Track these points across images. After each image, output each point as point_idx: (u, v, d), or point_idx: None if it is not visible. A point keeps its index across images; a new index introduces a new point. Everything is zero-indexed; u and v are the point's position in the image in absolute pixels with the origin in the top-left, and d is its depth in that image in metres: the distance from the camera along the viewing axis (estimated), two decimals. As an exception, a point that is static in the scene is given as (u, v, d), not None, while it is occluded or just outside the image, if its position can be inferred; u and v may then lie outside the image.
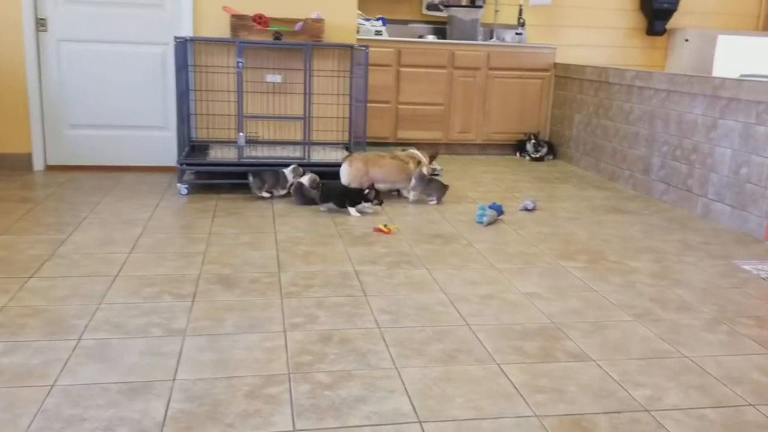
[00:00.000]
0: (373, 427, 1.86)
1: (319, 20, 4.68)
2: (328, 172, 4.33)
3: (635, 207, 4.52)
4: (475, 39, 6.29)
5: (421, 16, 6.57)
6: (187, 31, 4.77)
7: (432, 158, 4.81)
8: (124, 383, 2.04)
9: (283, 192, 4.31)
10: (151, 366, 2.15)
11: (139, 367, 2.14)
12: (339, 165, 4.30)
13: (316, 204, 4.14)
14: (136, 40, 4.86)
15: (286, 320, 2.52)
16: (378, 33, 5.98)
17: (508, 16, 6.70)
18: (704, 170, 4.32)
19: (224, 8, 4.65)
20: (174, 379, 2.07)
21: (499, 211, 4.02)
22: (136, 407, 1.91)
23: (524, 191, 4.85)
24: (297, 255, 3.27)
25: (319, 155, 4.63)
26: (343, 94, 4.94)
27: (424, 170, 4.38)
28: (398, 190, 4.46)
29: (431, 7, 6.49)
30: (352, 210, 4.03)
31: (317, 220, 3.90)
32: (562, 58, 6.60)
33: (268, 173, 4.25)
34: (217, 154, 4.55)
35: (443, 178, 4.72)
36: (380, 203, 4.08)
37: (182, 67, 4.52)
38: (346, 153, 4.52)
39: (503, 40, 6.63)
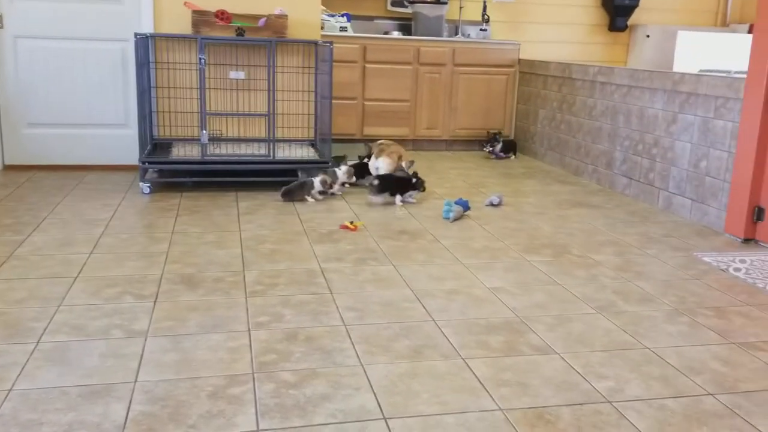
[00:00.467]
0: (338, 425, 1.86)
1: (283, 16, 4.65)
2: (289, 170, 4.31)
3: (599, 201, 4.57)
4: (440, 35, 6.30)
5: (386, 12, 6.56)
6: (147, 28, 4.69)
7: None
8: (84, 386, 2.00)
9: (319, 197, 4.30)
10: (112, 368, 2.11)
11: (100, 369, 2.10)
12: (305, 162, 4.27)
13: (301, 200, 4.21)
14: (95, 36, 4.77)
15: (251, 319, 2.50)
16: (343, 29, 5.96)
17: (473, 13, 6.73)
18: (665, 164, 4.39)
19: (185, 4, 4.59)
20: (135, 381, 2.04)
21: (466, 206, 4.03)
22: (96, 410, 1.88)
23: (490, 187, 4.88)
24: (262, 253, 3.24)
25: (284, 152, 4.60)
26: (309, 91, 4.91)
27: (404, 164, 4.47)
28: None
29: (396, 3, 6.48)
30: (398, 199, 4.22)
31: (283, 217, 3.87)
32: (526, 54, 6.66)
33: (296, 188, 4.23)
34: (180, 152, 4.49)
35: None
36: (424, 190, 4.33)
37: (143, 63, 4.45)
38: (378, 143, 4.65)
39: (468, 36, 6.66)
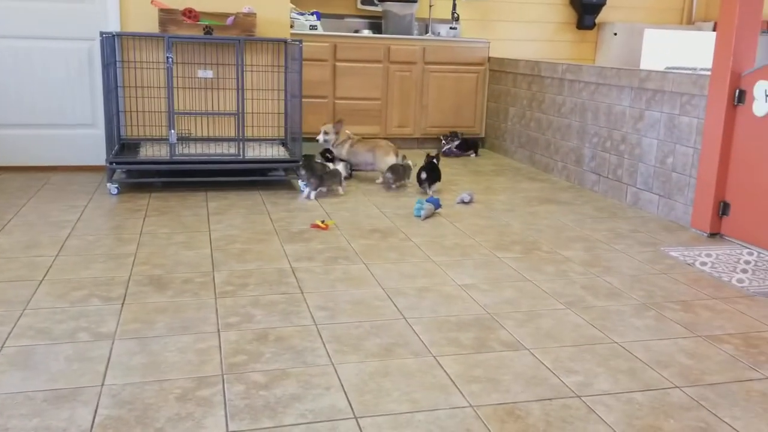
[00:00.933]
0: (308, 425, 1.85)
1: (251, 14, 4.61)
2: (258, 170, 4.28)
3: (568, 197, 4.61)
4: (410, 33, 6.31)
5: (356, 11, 6.55)
6: (114, 26, 4.62)
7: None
8: (49, 391, 1.97)
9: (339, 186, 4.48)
10: (78, 372, 2.08)
11: (66, 373, 2.07)
12: (276, 161, 4.25)
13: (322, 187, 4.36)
14: (61, 35, 4.69)
15: (221, 320, 2.48)
16: (313, 27, 5.93)
17: (443, 11, 6.74)
18: (633, 160, 4.44)
19: (153, 2, 4.53)
20: (102, 385, 2.01)
21: (437, 204, 4.04)
22: (61, 415, 1.85)
23: (461, 184, 4.90)
24: (232, 253, 3.21)
25: (254, 152, 4.57)
26: (279, 90, 4.89)
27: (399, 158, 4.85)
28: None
29: (366, 1, 6.47)
30: (433, 187, 4.54)
31: (254, 217, 3.85)
32: (496, 52, 6.69)
33: (328, 177, 4.38)
34: (148, 152, 4.44)
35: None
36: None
37: (110, 63, 4.39)
38: (389, 144, 4.88)
39: (438, 34, 6.67)
